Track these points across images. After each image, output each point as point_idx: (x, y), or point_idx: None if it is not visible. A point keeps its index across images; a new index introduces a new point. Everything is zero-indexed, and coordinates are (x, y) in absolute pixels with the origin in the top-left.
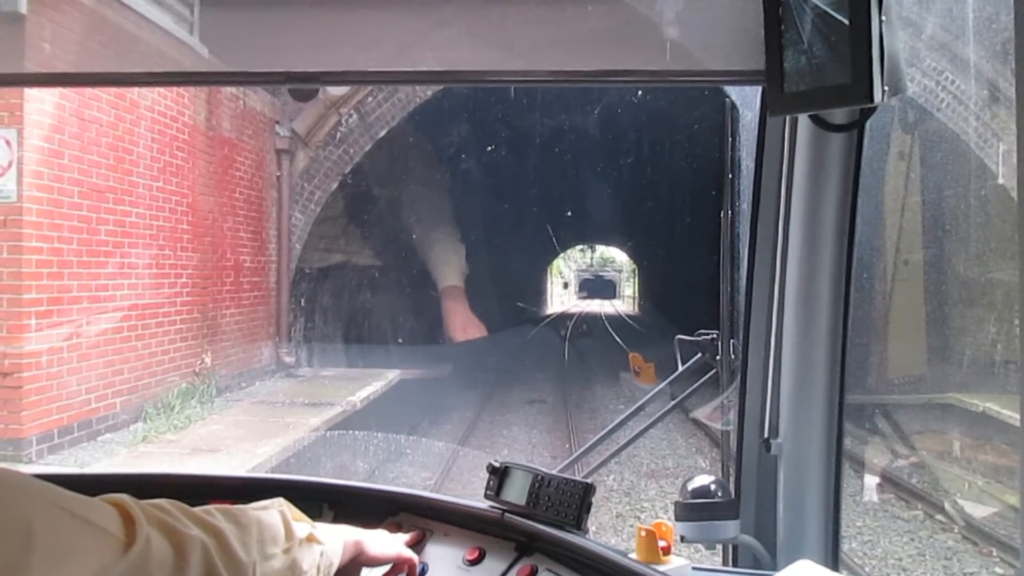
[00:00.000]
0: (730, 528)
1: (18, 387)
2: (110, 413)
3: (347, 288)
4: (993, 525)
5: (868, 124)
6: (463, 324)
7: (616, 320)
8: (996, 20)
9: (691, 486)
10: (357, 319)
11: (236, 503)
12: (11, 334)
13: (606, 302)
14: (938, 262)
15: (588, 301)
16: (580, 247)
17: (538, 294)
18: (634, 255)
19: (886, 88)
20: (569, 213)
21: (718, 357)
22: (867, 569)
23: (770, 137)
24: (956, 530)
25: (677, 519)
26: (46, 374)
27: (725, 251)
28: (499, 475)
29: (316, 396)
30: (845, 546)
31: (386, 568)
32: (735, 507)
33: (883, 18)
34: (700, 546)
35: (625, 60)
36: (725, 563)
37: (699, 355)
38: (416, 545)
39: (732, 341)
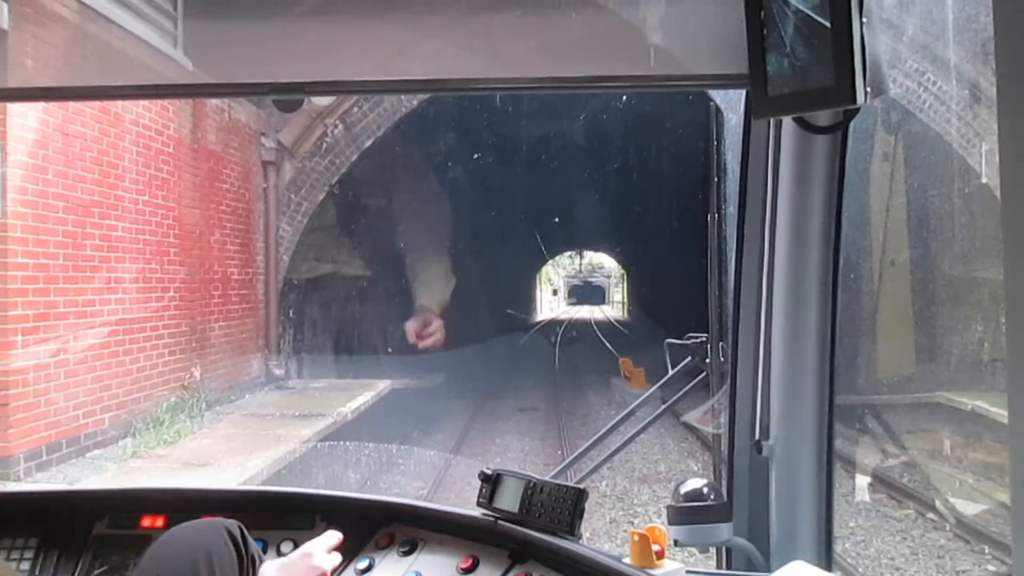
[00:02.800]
0: (723, 531)
1: (4, 404)
2: (98, 429)
3: (336, 299)
4: (984, 523)
5: (852, 126)
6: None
7: (606, 325)
8: (976, 21)
9: (683, 490)
10: (346, 330)
11: (228, 516)
12: None
13: (596, 308)
14: (924, 262)
15: (578, 307)
16: (569, 253)
17: (527, 301)
18: (623, 260)
19: (869, 90)
20: (557, 220)
21: (708, 360)
22: (860, 569)
23: (755, 140)
24: (948, 528)
25: (670, 523)
26: (33, 391)
27: (713, 254)
28: (491, 483)
29: (306, 408)
30: (838, 547)
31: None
32: (728, 510)
33: (864, 20)
34: (694, 549)
35: (610, 66)
36: (719, 566)
37: (689, 359)
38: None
39: (721, 344)
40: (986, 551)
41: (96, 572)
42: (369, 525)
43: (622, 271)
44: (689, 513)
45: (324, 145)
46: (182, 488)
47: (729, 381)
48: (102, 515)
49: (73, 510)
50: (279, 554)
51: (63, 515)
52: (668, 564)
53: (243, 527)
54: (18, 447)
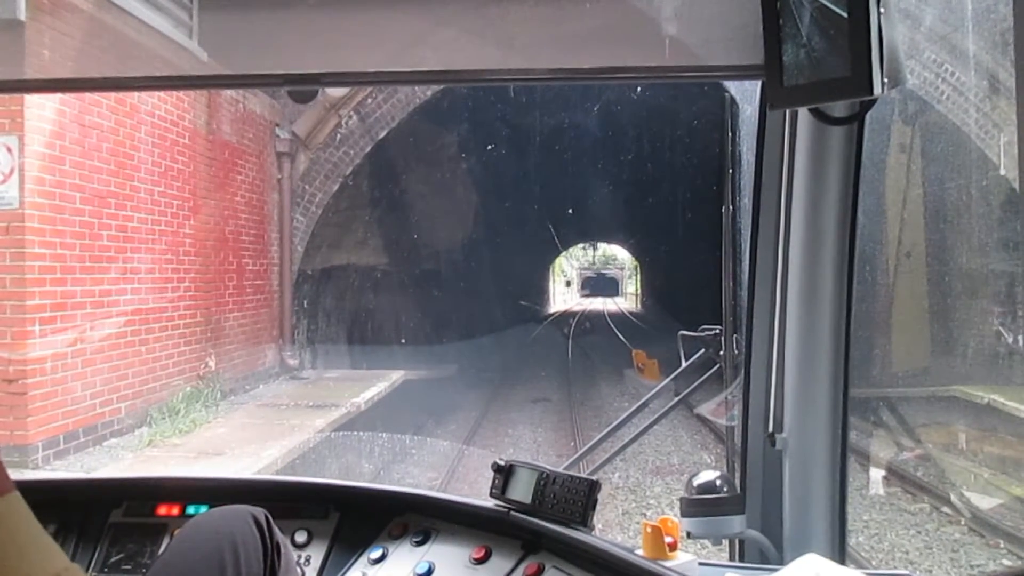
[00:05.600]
0: (736, 523)
1: (23, 393)
2: (115, 418)
3: (349, 289)
4: (1000, 517)
5: (868, 117)
6: None
7: (619, 317)
8: (995, 11)
9: (696, 482)
10: (360, 320)
11: (241, 504)
12: (15, 340)
13: (609, 300)
14: (941, 254)
15: (591, 299)
16: (582, 245)
17: (541, 293)
18: (636, 252)
19: (886, 80)
20: (571, 211)
21: (721, 352)
22: (874, 563)
23: (770, 131)
24: (963, 522)
25: (683, 515)
26: (51, 380)
27: (727, 246)
28: (504, 473)
29: (320, 398)
30: (852, 540)
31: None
32: (741, 502)
33: (881, 10)
34: (707, 542)
35: (624, 57)
36: (732, 558)
37: (702, 351)
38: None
39: (735, 336)
40: (1001, 545)
41: (113, 559)
42: (382, 515)
43: (636, 263)
44: (702, 505)
45: (338, 136)
46: (197, 477)
47: (743, 373)
48: (119, 503)
49: (90, 498)
50: (293, 543)
51: (80, 503)
52: (681, 556)
53: (268, 515)
54: (36, 436)
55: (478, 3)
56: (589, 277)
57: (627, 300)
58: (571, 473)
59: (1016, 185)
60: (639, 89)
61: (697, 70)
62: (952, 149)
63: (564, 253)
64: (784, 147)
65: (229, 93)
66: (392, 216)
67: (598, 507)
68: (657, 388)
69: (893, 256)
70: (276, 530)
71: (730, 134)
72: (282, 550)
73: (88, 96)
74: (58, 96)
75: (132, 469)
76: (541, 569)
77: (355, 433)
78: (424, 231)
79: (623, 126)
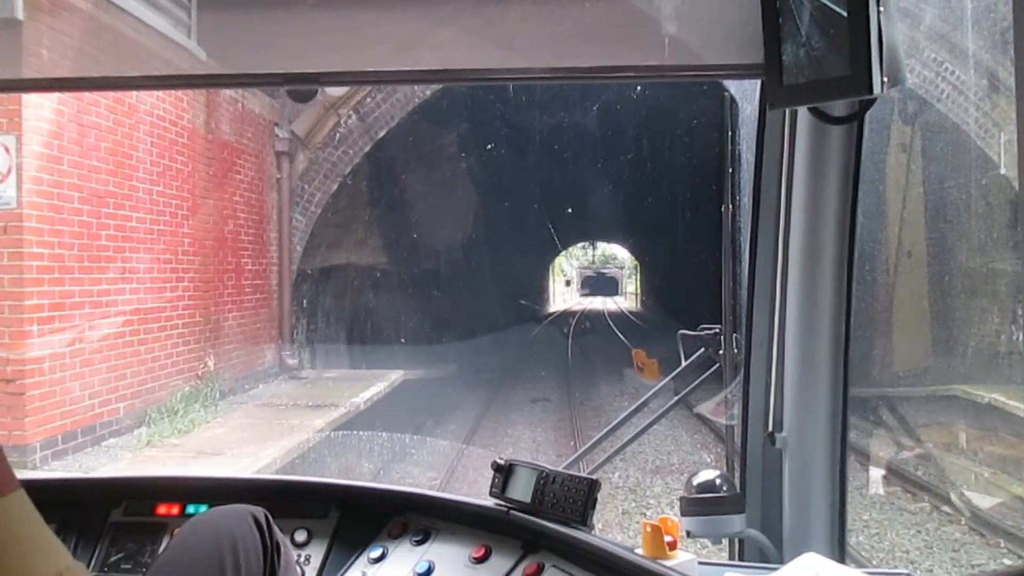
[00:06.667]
0: (736, 522)
1: (21, 393)
2: (114, 418)
3: (349, 289)
4: (1000, 516)
5: (868, 116)
6: None
7: (619, 317)
8: (995, 9)
9: (696, 481)
10: (360, 320)
11: (241, 503)
12: (13, 340)
13: (609, 299)
14: (941, 253)
15: (591, 298)
16: (582, 245)
17: (540, 292)
18: (636, 251)
19: (885, 79)
20: (570, 211)
21: (721, 351)
22: (874, 562)
23: (770, 130)
24: (963, 522)
25: (683, 514)
26: (49, 380)
27: (727, 245)
28: (504, 473)
29: (320, 398)
30: (851, 539)
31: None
32: (740, 501)
33: (881, 9)
34: (706, 541)
35: (623, 56)
36: (731, 557)
37: (702, 350)
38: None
39: (735, 335)
40: (1002, 544)
41: (112, 559)
42: (382, 514)
43: (635, 262)
44: (702, 504)
45: (338, 135)
46: (197, 476)
47: (743, 372)
48: (118, 503)
49: (90, 498)
50: (293, 543)
51: (80, 502)
52: (680, 555)
53: (268, 514)
54: (35, 436)
55: (478, 3)
56: (589, 276)
57: (627, 299)
58: (571, 472)
59: (1016, 185)
60: (639, 89)
61: (697, 69)
62: (952, 148)
63: (564, 252)
64: (784, 146)
65: (228, 92)
66: (391, 216)
67: (598, 506)
68: (657, 387)
69: (893, 256)
70: (276, 529)
71: (730, 133)
72: (282, 549)
73: (86, 95)
74: (56, 95)
75: (131, 469)
76: (541, 568)
77: (354, 433)
78: (424, 231)
79: (623, 126)
